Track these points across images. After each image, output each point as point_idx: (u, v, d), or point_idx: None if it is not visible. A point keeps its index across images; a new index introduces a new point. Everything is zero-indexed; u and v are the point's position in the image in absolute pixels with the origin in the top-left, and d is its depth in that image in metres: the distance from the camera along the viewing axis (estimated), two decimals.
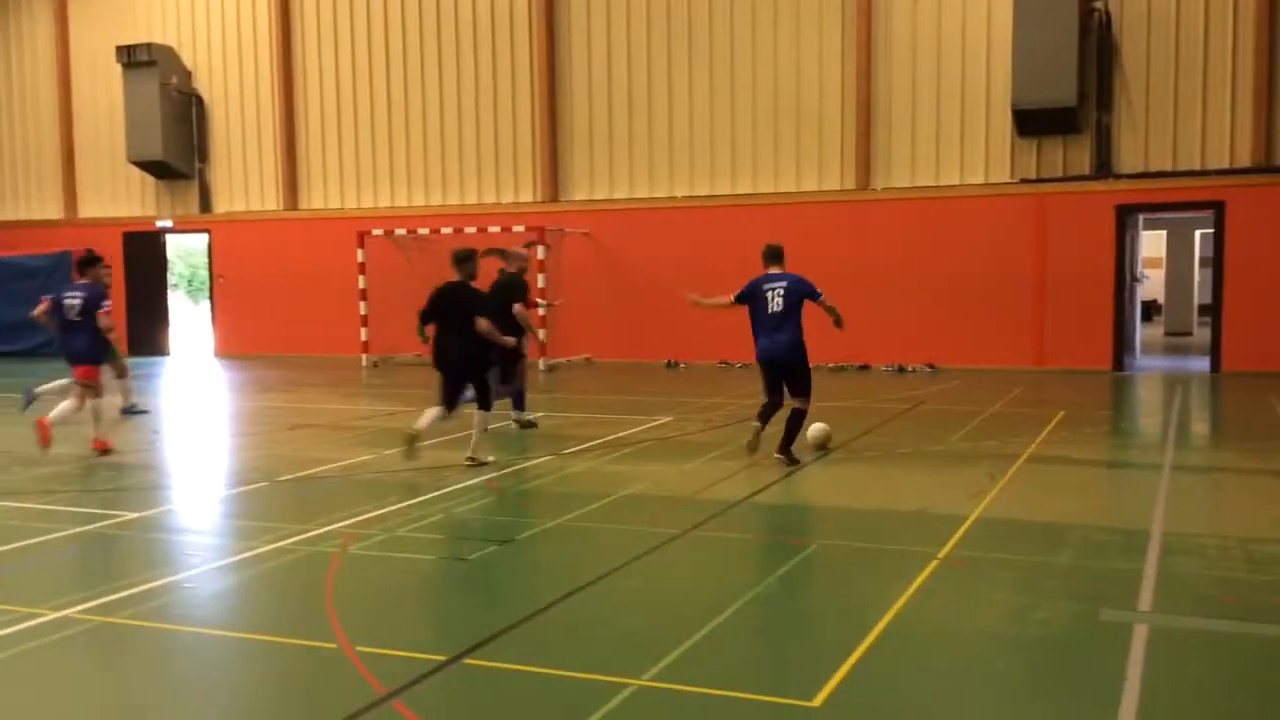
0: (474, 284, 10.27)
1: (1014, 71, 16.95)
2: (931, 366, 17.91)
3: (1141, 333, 20.99)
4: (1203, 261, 24.27)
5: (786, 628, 5.64)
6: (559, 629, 5.63)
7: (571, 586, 6.30)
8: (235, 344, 22.92)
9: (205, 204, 23.22)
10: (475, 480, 9.24)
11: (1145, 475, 9.55)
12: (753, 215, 18.73)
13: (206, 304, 25.60)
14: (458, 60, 21.03)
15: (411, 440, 9.83)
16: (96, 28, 23.67)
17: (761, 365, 10.07)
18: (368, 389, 17.09)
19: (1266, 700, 4.64)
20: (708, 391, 15.37)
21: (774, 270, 10.13)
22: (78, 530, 7.68)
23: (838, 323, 9.95)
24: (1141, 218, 19.06)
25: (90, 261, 11.20)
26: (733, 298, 10.20)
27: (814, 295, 9.85)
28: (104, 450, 10.74)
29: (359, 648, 5.20)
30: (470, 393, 10.21)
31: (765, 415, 10.03)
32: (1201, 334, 22.66)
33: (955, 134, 18.10)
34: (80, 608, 5.85)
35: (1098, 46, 17.14)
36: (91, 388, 10.85)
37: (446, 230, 20.12)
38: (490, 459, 10.04)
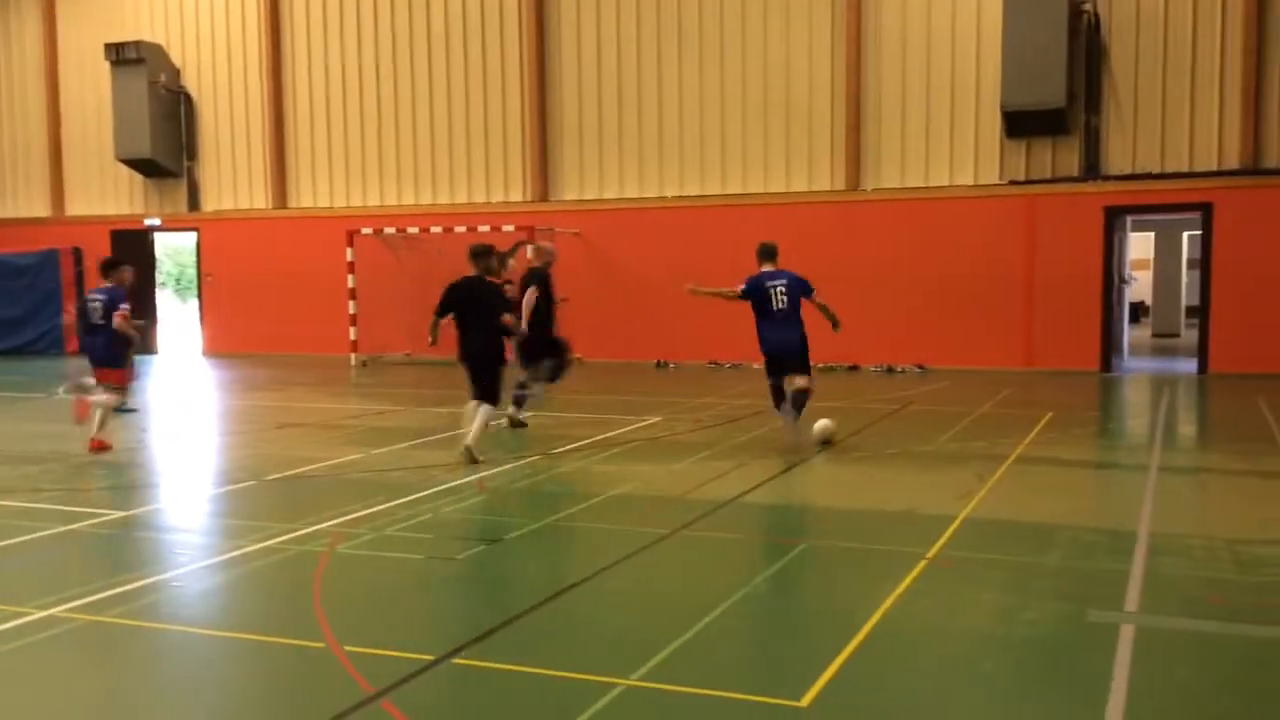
0: (490, 278, 10.43)
1: (1003, 72, 16.99)
2: (920, 367, 17.94)
3: (1129, 334, 21.06)
4: (1190, 263, 24.35)
5: (775, 628, 5.64)
6: (548, 628, 5.63)
7: (560, 586, 6.29)
8: (223, 343, 22.86)
9: (194, 202, 23.15)
10: (464, 479, 9.23)
11: (1133, 476, 9.58)
12: (742, 215, 18.75)
13: (194, 302, 25.53)
14: (447, 58, 21.00)
15: (469, 454, 9.84)
16: (85, 25, 23.58)
17: (770, 357, 10.68)
18: (356, 388, 17.06)
19: (1253, 701, 4.66)
20: (697, 391, 15.38)
21: (769, 268, 10.70)
22: (65, 529, 7.65)
23: (835, 325, 10.69)
24: (1130, 219, 19.12)
25: (113, 264, 11.42)
26: (739, 291, 10.71)
27: (808, 291, 10.59)
28: (100, 448, 10.70)
29: (347, 647, 5.19)
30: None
31: (780, 400, 10.70)
32: (1189, 336, 22.74)
33: (945, 135, 18.14)
34: (67, 606, 5.83)
35: (1086, 48, 17.19)
36: (120, 390, 11.15)
37: (436, 229, 20.10)
38: (482, 459, 9.99)
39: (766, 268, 10.74)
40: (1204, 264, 17.09)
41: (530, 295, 12.00)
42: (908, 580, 6.21)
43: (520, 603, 5.99)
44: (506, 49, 20.56)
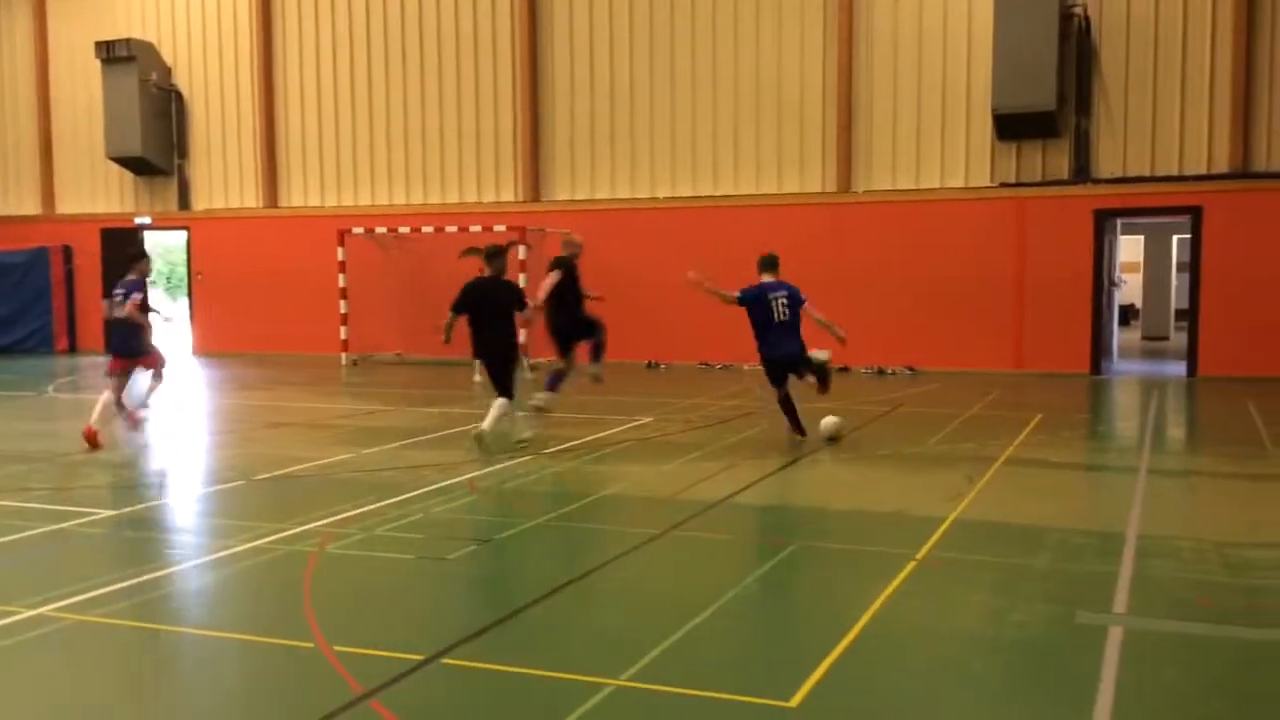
0: (505, 277, 10.80)
1: (994, 75, 17.02)
2: (911, 369, 17.97)
3: (1119, 337, 21.11)
4: (1180, 266, 24.43)
5: (765, 628, 5.65)
6: (538, 629, 5.63)
7: (550, 586, 6.29)
8: (214, 342, 22.81)
9: (184, 201, 23.09)
10: (454, 480, 9.22)
11: (1122, 478, 9.61)
12: (734, 217, 18.78)
13: (185, 301, 25.46)
14: (439, 58, 20.98)
15: (519, 443, 10.47)
16: (75, 23, 23.52)
17: (771, 364, 11.05)
18: (347, 387, 17.04)
19: (1241, 703, 4.68)
20: (688, 392, 15.38)
21: (769, 279, 11.07)
22: (54, 528, 7.63)
23: (840, 339, 11.10)
24: (1119, 222, 19.17)
25: (134, 257, 12.06)
26: (736, 297, 11.04)
27: (801, 303, 10.99)
28: (91, 440, 10.79)
29: (336, 647, 5.18)
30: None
31: (788, 406, 11.07)
32: (1178, 339, 22.81)
33: (935, 137, 18.17)
34: (55, 606, 5.81)
35: (1077, 51, 17.24)
36: (157, 371, 11.73)
37: (427, 229, 20.09)
38: (492, 450, 10.30)
39: (767, 278, 11.09)
40: (1193, 267, 17.14)
41: (552, 278, 12.03)
42: (897, 581, 6.22)
43: (510, 603, 5.99)
44: (499, 49, 20.55)
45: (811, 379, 11.18)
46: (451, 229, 19.81)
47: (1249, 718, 4.56)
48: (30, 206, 24.32)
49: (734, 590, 6.18)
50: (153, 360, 11.78)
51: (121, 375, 11.58)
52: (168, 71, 22.74)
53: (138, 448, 11.29)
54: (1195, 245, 17.08)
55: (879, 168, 18.47)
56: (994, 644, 5.38)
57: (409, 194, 21.38)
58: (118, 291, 11.67)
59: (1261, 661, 5.15)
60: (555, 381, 12.29)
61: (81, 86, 23.35)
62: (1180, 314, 23.24)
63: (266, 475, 9.54)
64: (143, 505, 8.62)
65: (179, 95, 22.80)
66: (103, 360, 21.10)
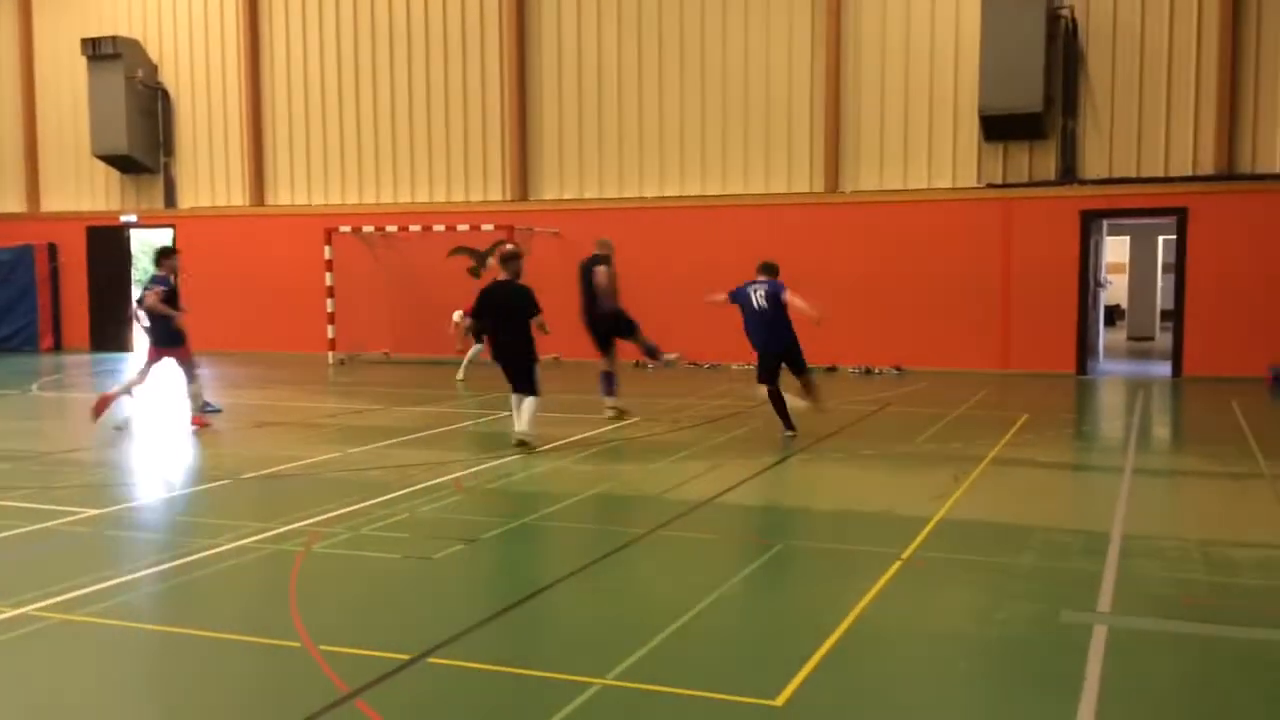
0: (520, 281, 10.98)
1: (981, 76, 17.07)
2: (898, 369, 18.01)
3: (1104, 337, 21.19)
4: (1166, 267, 24.53)
5: (751, 628, 5.66)
6: (524, 628, 5.63)
7: (536, 586, 6.30)
8: (200, 340, 22.56)
9: (170, 199, 23.01)
10: (441, 479, 9.22)
11: (1107, 478, 9.65)
12: (722, 216, 18.79)
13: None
14: (427, 56, 20.95)
15: (521, 443, 10.60)
16: (61, 19, 23.41)
17: (760, 355, 11.50)
18: (334, 387, 17.00)
19: (1224, 701, 4.71)
20: (676, 392, 15.39)
21: (761, 278, 11.60)
22: (38, 527, 7.60)
23: (815, 321, 11.40)
24: (1106, 223, 19.24)
25: (165, 253, 12.57)
26: (726, 296, 11.78)
27: (782, 295, 11.30)
28: (99, 410, 11.80)
29: (322, 647, 5.18)
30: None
31: (777, 402, 11.41)
32: (1164, 339, 22.90)
33: (923, 138, 18.21)
34: (39, 605, 5.79)
35: (1064, 53, 17.29)
36: (188, 364, 12.32)
37: (415, 228, 20.05)
38: (536, 445, 10.66)
39: (758, 279, 11.62)
40: (1179, 268, 17.21)
41: (607, 270, 12.64)
42: (883, 581, 6.24)
43: (496, 602, 5.99)
44: (486, 47, 20.53)
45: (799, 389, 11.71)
46: (439, 228, 19.80)
47: (1232, 716, 4.58)
48: (15, 204, 24.20)
49: (720, 590, 6.19)
50: (181, 354, 12.27)
51: (151, 364, 12.27)
52: (154, 69, 22.65)
53: (123, 446, 11.25)
54: (1180, 246, 17.15)
55: (866, 168, 18.51)
56: (979, 642, 5.40)
57: (396, 193, 21.34)
58: (147, 286, 12.22)
59: (1244, 660, 5.17)
60: (610, 385, 12.69)
61: (67, 84, 23.25)
62: (1165, 314, 23.33)
63: (253, 474, 9.52)
64: (128, 504, 8.59)
65: (165, 93, 22.72)
66: (87, 359, 21.05)
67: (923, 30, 18.07)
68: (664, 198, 19.52)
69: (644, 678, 4.82)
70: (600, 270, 12.59)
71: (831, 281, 17.68)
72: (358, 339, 20.68)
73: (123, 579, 6.39)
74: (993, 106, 17.00)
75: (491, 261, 19.80)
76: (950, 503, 8.26)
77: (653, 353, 13.11)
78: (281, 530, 7.44)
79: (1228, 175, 16.72)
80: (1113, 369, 19.03)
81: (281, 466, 9.84)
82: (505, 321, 10.79)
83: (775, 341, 11.40)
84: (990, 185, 17.85)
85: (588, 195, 20.04)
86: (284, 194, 22.16)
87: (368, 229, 20.64)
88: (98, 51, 21.92)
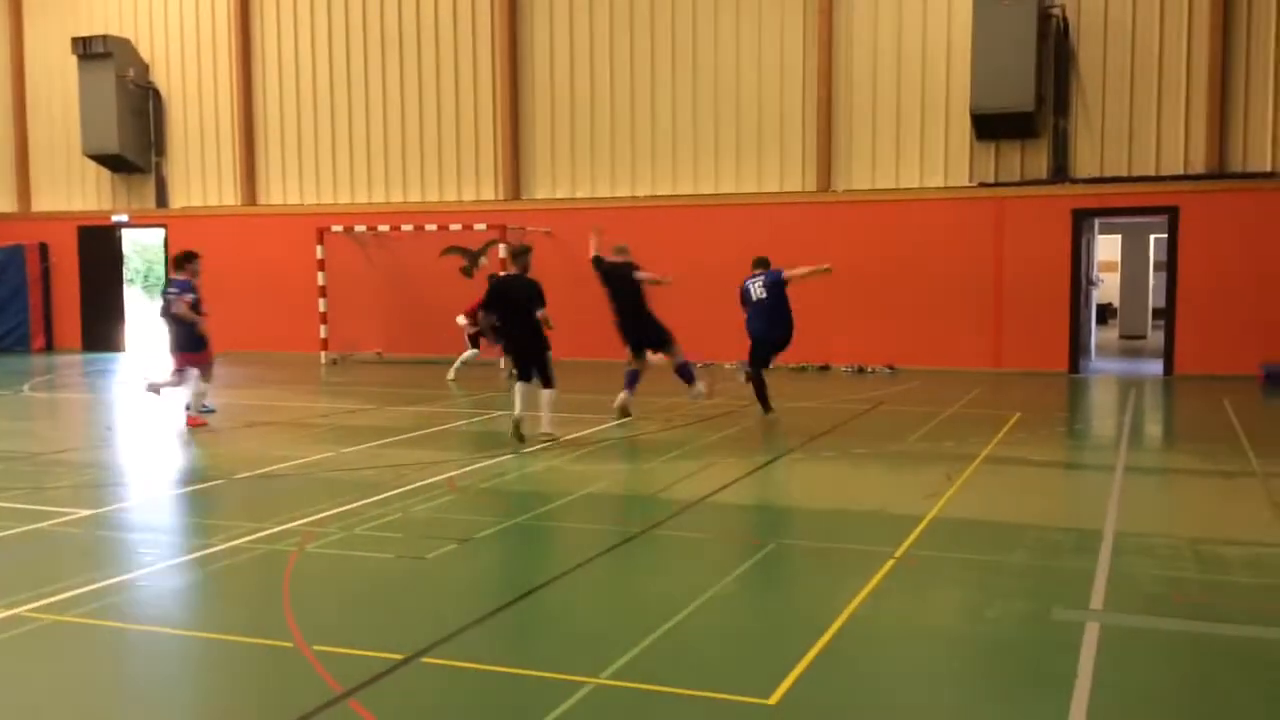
0: (529, 275, 11.24)
1: (973, 76, 17.09)
2: (891, 367, 18.03)
3: (1096, 335, 21.24)
4: (1157, 266, 24.58)
5: (744, 626, 5.67)
6: (517, 628, 5.63)
7: (530, 585, 6.30)
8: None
9: (162, 198, 22.95)
10: (434, 479, 9.21)
11: (1099, 476, 9.67)
12: (714, 216, 18.79)
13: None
14: (419, 55, 20.93)
15: (516, 427, 10.87)
16: (51, 19, 23.34)
17: (759, 346, 12.06)
18: (326, 386, 16.98)
19: (1215, 698, 4.72)
20: (669, 391, 15.38)
21: (757, 272, 12.19)
22: (30, 528, 7.58)
23: (825, 270, 12.42)
24: (1097, 222, 19.28)
25: (187, 257, 12.62)
26: (744, 309, 12.33)
27: (780, 280, 11.89)
28: (156, 391, 12.30)
29: (315, 646, 5.17)
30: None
31: (759, 385, 12.14)
32: (1156, 337, 22.96)
33: (915, 137, 18.24)
34: (32, 606, 5.78)
35: (1055, 52, 17.32)
36: (205, 368, 12.41)
37: (407, 227, 20.04)
38: (560, 436, 11.01)
39: (756, 273, 12.13)
40: (1170, 266, 17.26)
41: (649, 276, 12.78)
42: (876, 579, 6.25)
43: (489, 602, 5.99)
44: (478, 47, 20.51)
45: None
46: (431, 227, 19.79)
47: (1223, 713, 4.60)
48: (6, 204, 24.12)
49: (714, 589, 6.19)
50: (203, 359, 12.42)
51: (181, 370, 12.47)
52: (145, 68, 22.59)
53: (114, 447, 11.23)
54: (1172, 245, 17.20)
55: (859, 167, 18.53)
56: (971, 640, 5.42)
57: (388, 192, 21.32)
58: (170, 291, 12.29)
59: (1235, 657, 5.19)
60: (632, 382, 12.73)
61: (57, 83, 23.17)
62: (1157, 313, 23.36)
63: (246, 474, 9.51)
64: (121, 504, 8.57)
65: (156, 92, 22.66)
66: (79, 359, 20.99)
67: (914, 29, 18.09)
68: (656, 197, 19.52)
69: (638, 677, 4.82)
70: (644, 275, 12.62)
71: (824, 280, 17.65)
72: (350, 338, 20.65)
73: (115, 580, 6.38)
74: (984, 106, 17.03)
75: (484, 261, 19.81)
76: (943, 501, 8.28)
77: (685, 374, 12.85)
78: (275, 530, 7.43)
79: (1219, 174, 16.77)
80: (1105, 367, 19.07)
81: (275, 466, 9.83)
82: (514, 315, 11.02)
83: (773, 329, 11.88)
84: (982, 184, 17.88)
85: (580, 195, 20.04)
86: (276, 193, 22.12)
87: (360, 228, 20.62)
88: (88, 51, 21.86)
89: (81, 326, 23.40)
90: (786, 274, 12.08)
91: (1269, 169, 16.62)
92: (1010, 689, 4.83)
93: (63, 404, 15.55)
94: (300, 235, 20.79)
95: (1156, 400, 15.19)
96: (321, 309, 20.46)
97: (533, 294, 10.93)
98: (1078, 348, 17.69)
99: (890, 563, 6.58)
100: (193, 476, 9.84)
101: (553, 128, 20.16)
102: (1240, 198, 16.60)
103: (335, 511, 7.97)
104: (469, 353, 16.95)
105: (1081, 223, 17.51)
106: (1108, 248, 25.85)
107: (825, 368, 18.21)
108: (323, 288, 20.43)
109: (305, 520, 7.69)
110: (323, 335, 20.49)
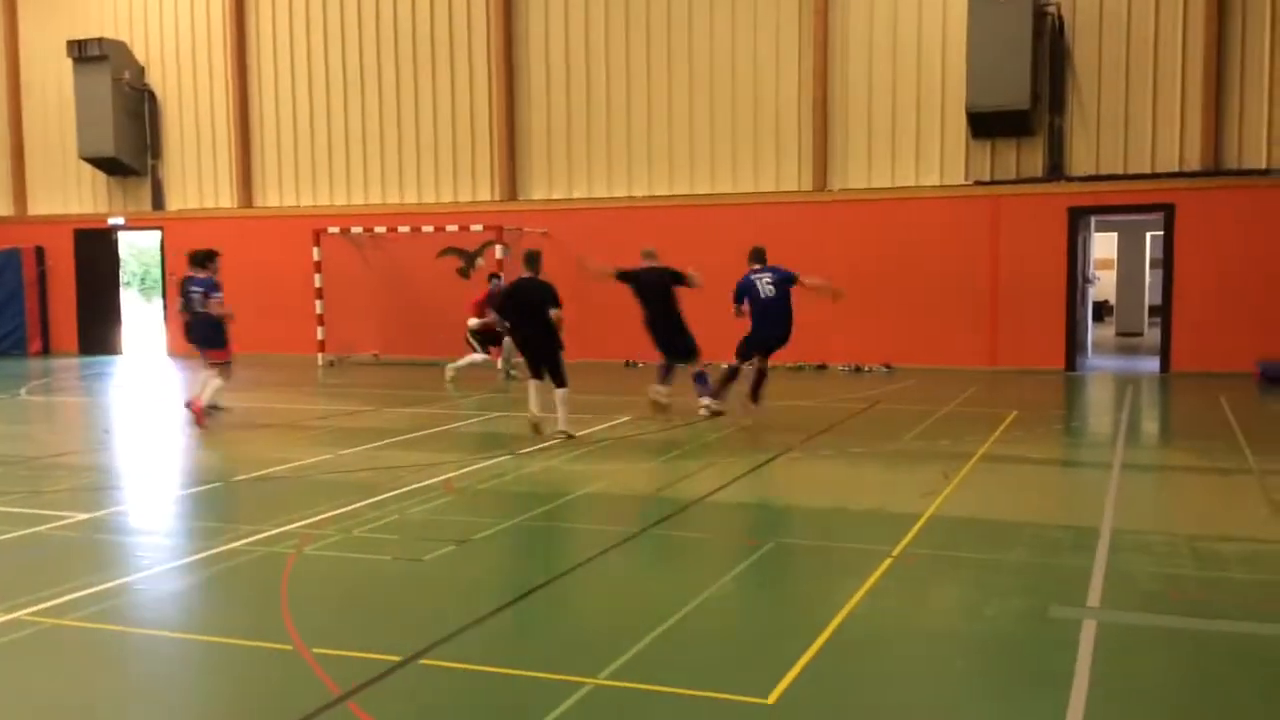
0: (542, 278, 11.48)
1: (968, 74, 17.11)
2: (887, 366, 18.05)
3: (1093, 333, 21.26)
4: (1153, 263, 24.60)
5: (742, 626, 5.67)
6: (515, 629, 5.64)
7: (528, 586, 6.30)
8: (189, 343, 22.61)
9: (158, 201, 22.94)
10: (432, 480, 9.21)
11: (1096, 474, 9.69)
12: (711, 216, 18.79)
13: (159, 302, 25.30)
14: (415, 57, 20.92)
15: (535, 426, 11.16)
16: (47, 22, 23.32)
17: (765, 342, 11.96)
18: (323, 388, 16.98)
19: (1213, 695, 4.74)
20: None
21: (755, 268, 12.06)
22: (28, 531, 7.58)
23: (836, 295, 12.55)
24: (1093, 219, 19.30)
25: (210, 256, 12.90)
26: (735, 300, 12.03)
27: (792, 279, 11.76)
28: (204, 412, 12.20)
29: (314, 649, 5.18)
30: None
31: (757, 388, 12.06)
32: (1152, 334, 22.98)
33: (910, 136, 18.25)
34: (31, 610, 5.78)
35: (1050, 50, 17.35)
36: (224, 365, 12.68)
37: (403, 229, 20.03)
38: (575, 434, 11.20)
39: (755, 267, 12.06)
40: (1166, 264, 17.27)
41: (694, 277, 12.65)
42: (873, 578, 6.26)
43: (488, 603, 5.99)
44: (474, 47, 20.51)
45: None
46: (428, 229, 19.79)
47: (1221, 710, 4.61)
48: (2, 208, 24.11)
49: (712, 588, 6.20)
50: (225, 354, 12.75)
51: (215, 363, 12.71)
52: (140, 71, 22.58)
53: (112, 450, 11.23)
54: (1168, 242, 17.22)
55: (854, 166, 18.54)
56: (969, 638, 5.43)
57: (385, 194, 21.32)
58: (195, 289, 12.54)
59: (1233, 654, 5.21)
60: (705, 384, 12.66)
61: (53, 86, 23.15)
62: (1154, 310, 23.38)
63: (244, 477, 9.51)
64: (118, 508, 8.57)
65: (152, 95, 22.65)
66: (76, 362, 20.98)
67: (910, 28, 18.11)
68: (653, 197, 19.52)
69: (636, 677, 4.83)
70: (692, 275, 12.46)
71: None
72: (347, 340, 20.65)
73: (114, 583, 6.38)
74: (980, 104, 17.04)
75: (481, 262, 19.81)
76: (940, 499, 8.29)
77: (701, 382, 12.72)
78: (273, 533, 7.43)
79: (1214, 171, 16.79)
80: (1101, 365, 19.10)
81: (272, 469, 9.83)
82: (530, 316, 11.27)
83: (775, 327, 11.91)
84: (978, 182, 17.89)
85: (576, 195, 20.04)
86: (272, 195, 22.11)
87: (356, 230, 20.61)
88: (84, 53, 21.84)
89: (78, 330, 23.38)
90: (803, 280, 12.00)
91: (1264, 166, 16.65)
92: (1008, 687, 4.84)
93: (60, 407, 15.54)
94: (296, 237, 20.79)
95: (1153, 398, 15.20)
96: (318, 311, 20.46)
97: (548, 295, 11.21)
98: (1074, 345, 17.70)
99: (888, 561, 6.59)
100: (190, 479, 9.84)
101: (549, 128, 20.16)
102: (1236, 194, 16.62)
103: (333, 514, 7.97)
104: (478, 357, 16.76)
105: (1077, 220, 17.53)
106: (1104, 245, 25.89)
107: (822, 367, 18.22)
108: (319, 289, 20.43)
109: (303, 522, 7.69)
110: (320, 337, 20.49)
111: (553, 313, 11.15)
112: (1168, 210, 17.05)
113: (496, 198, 20.48)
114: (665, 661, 5.06)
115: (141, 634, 5.63)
